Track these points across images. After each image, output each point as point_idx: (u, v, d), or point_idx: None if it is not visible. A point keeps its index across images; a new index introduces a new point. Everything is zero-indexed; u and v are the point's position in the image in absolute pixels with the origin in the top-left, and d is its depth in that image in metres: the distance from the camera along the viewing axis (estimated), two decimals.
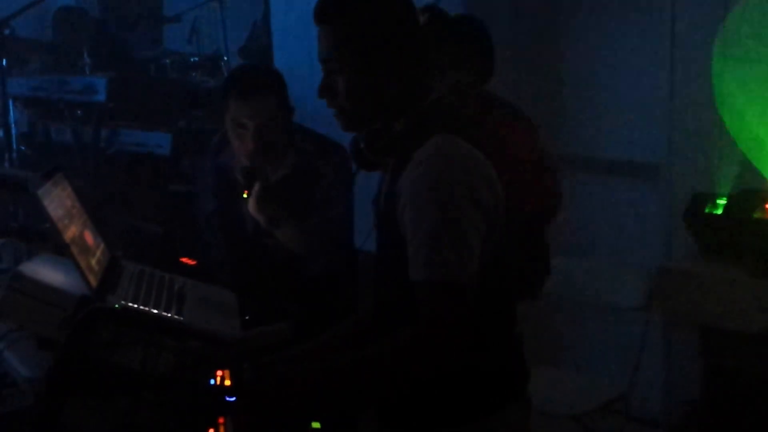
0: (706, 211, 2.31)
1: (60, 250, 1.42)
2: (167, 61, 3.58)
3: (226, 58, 3.68)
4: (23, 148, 3.34)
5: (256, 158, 1.84)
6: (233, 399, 1.19)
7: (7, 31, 3.31)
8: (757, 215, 2.24)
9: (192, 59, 3.66)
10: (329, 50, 1.21)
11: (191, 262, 1.78)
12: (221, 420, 1.16)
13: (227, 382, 1.25)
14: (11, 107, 3.25)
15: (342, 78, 1.20)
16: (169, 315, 1.39)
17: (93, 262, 1.47)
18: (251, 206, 1.81)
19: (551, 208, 1.95)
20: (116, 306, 1.34)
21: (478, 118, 1.23)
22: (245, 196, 1.83)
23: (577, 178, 2.79)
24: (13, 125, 3.23)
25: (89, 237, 1.55)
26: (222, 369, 1.27)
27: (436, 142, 1.16)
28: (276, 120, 1.84)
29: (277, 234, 1.85)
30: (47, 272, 1.47)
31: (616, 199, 2.75)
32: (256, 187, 1.80)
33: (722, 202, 2.32)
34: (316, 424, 1.20)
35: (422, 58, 1.22)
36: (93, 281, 1.39)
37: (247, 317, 1.54)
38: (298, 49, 3.29)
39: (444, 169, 1.13)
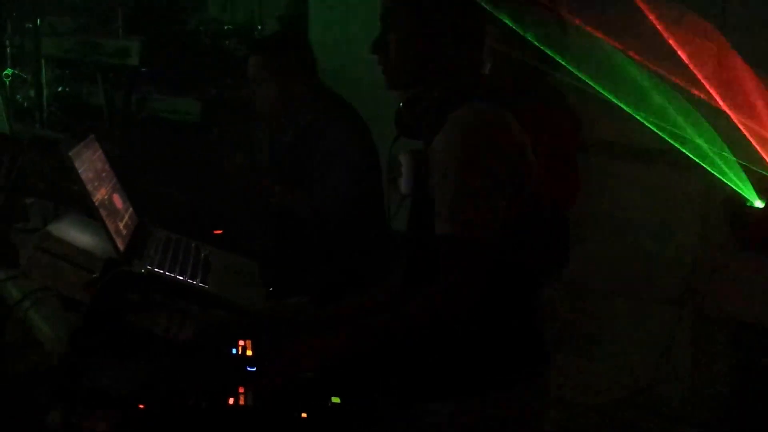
0: (747, 203, 2.24)
1: (88, 211, 1.41)
2: (201, 28, 3.56)
3: (260, 27, 3.64)
4: (53, 108, 3.35)
5: (259, 116, 2.05)
6: (254, 369, 1.19)
7: None
8: None
9: (226, 27, 3.63)
10: (388, 7, 1.26)
11: (218, 231, 1.78)
12: (241, 389, 1.15)
13: (249, 352, 1.25)
14: (43, 68, 3.26)
15: (395, 35, 1.25)
16: (195, 282, 1.39)
17: (121, 225, 1.46)
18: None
19: (571, 199, 1.90)
20: (142, 271, 1.33)
21: (519, 92, 1.23)
22: None
23: (613, 164, 2.71)
24: (44, 85, 3.24)
25: (118, 200, 1.54)
26: (244, 339, 1.27)
27: (471, 105, 1.18)
28: (264, 78, 2.00)
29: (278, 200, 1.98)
30: (75, 233, 1.47)
31: (652, 188, 2.68)
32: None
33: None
34: (336, 399, 1.18)
35: (476, 30, 1.24)
36: (120, 245, 1.38)
37: (270, 289, 1.53)
38: (334, 17, 3.24)
39: (474, 131, 1.16)
